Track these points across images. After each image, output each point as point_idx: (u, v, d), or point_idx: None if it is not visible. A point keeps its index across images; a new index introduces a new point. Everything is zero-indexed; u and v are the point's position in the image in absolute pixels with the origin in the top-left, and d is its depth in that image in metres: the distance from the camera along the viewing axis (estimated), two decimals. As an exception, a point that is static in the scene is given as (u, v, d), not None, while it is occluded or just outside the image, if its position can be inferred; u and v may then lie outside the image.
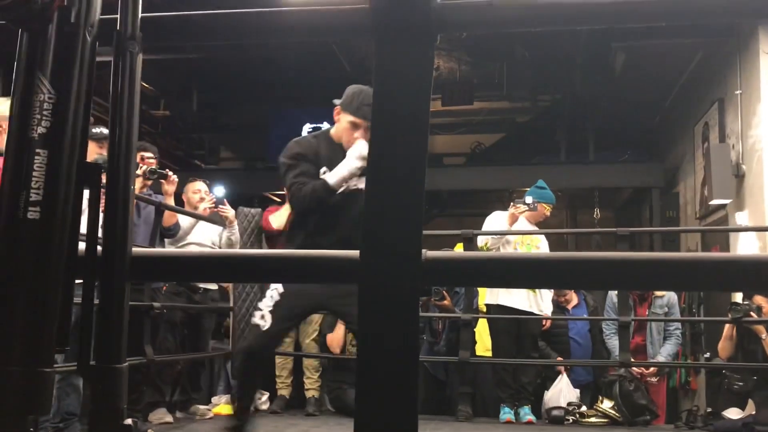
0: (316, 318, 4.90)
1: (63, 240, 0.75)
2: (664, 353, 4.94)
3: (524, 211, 4.55)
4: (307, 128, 8.87)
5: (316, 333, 4.90)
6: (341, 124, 2.85)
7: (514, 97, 9.02)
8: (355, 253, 0.91)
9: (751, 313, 4.31)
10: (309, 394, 4.83)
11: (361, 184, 2.80)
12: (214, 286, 4.69)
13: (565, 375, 4.80)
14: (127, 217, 0.82)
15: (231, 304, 4.91)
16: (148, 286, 3.89)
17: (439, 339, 5.14)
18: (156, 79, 8.80)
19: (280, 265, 0.98)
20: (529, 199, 4.56)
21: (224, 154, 11.01)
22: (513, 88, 8.72)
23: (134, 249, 0.83)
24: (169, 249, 4.07)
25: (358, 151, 2.75)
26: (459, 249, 4.63)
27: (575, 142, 9.18)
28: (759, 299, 4.41)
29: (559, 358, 5.03)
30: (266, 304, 2.77)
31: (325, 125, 9.23)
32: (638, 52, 6.43)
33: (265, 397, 4.86)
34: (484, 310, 4.82)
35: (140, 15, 0.83)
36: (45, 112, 0.77)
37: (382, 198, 0.90)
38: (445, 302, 4.95)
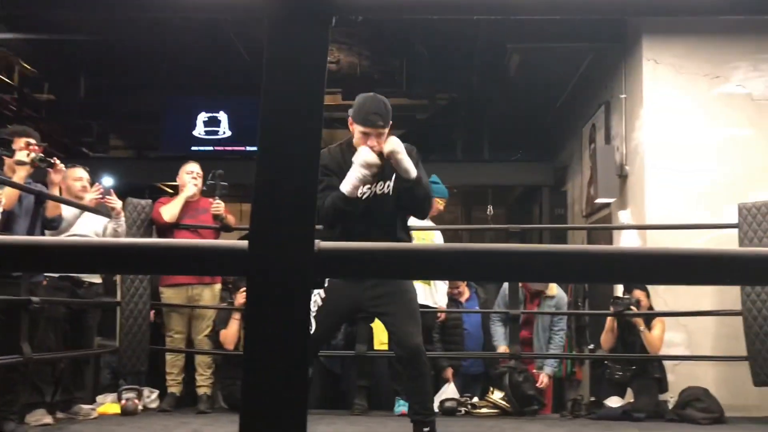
0: (209, 313, 4.77)
1: None
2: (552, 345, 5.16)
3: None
4: (203, 117, 8.63)
5: (209, 329, 4.76)
6: (355, 134, 2.97)
7: (413, 95, 9.12)
8: (244, 243, 0.87)
9: (631, 307, 4.55)
10: (201, 391, 4.70)
11: (387, 188, 2.96)
12: (98, 280, 4.47)
13: (452, 384, 4.88)
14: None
15: (119, 299, 4.70)
16: (26, 279, 3.65)
17: (337, 333, 5.12)
18: (40, 61, 8.29)
19: (165, 256, 0.92)
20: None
21: (114, 142, 10.53)
22: (413, 86, 8.82)
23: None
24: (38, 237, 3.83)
25: (361, 157, 2.87)
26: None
27: (471, 141, 9.40)
28: (638, 293, 4.66)
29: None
30: (311, 309, 2.82)
31: (221, 114, 9.06)
32: (532, 55, 6.64)
33: (155, 395, 4.69)
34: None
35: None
36: None
37: (272, 187, 0.86)
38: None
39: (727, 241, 4.73)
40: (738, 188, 5.09)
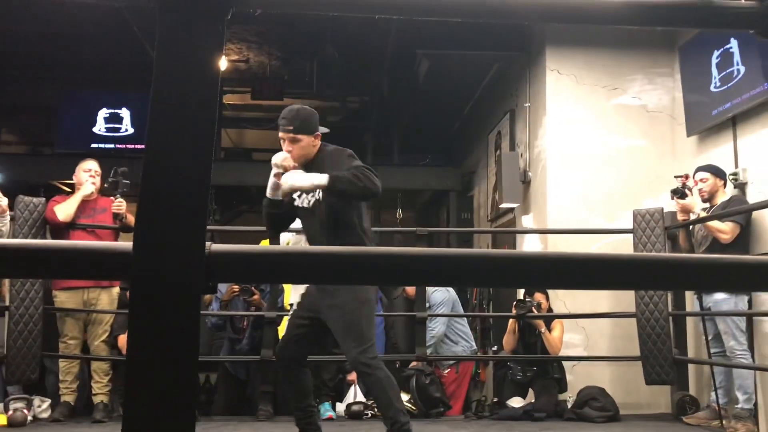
0: (107, 318, 4.56)
1: None
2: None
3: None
4: (103, 113, 8.27)
5: (106, 334, 4.56)
6: None
7: (324, 97, 9.08)
8: (128, 245, 0.82)
9: (533, 309, 4.68)
10: (97, 399, 4.48)
11: (318, 195, 3.00)
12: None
13: (356, 385, 4.87)
14: None
15: (6, 303, 4.42)
16: None
17: (242, 336, 5.01)
18: None
19: (41, 258, 0.85)
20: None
21: (6, 137, 9.94)
22: (323, 88, 8.78)
23: None
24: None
25: (272, 160, 3.02)
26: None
27: (381, 144, 9.45)
28: (539, 296, 4.80)
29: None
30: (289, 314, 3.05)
31: (123, 111, 8.70)
32: (441, 61, 6.74)
33: (46, 404, 4.44)
34: (289, 308, 4.78)
35: None
36: None
37: (160, 187, 0.82)
38: (254, 298, 4.85)
39: (623, 246, 4.95)
40: (633, 195, 5.34)
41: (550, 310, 4.92)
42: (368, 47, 7.31)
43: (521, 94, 6.31)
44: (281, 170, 2.99)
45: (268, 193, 3.06)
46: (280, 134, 3.06)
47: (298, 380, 3.11)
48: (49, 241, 0.81)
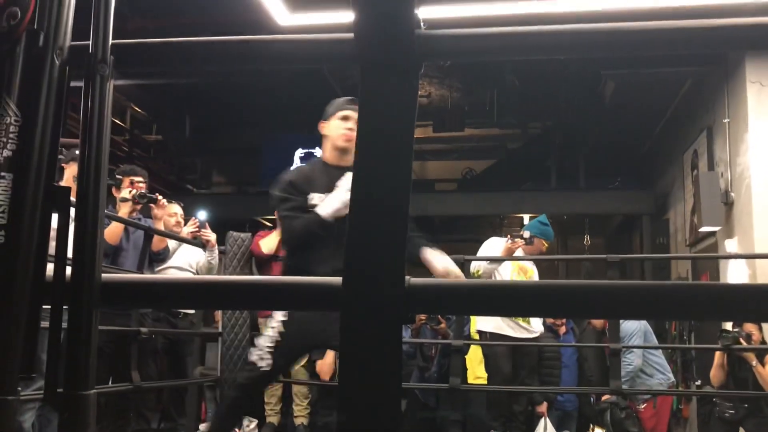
0: (306, 344, 4.86)
1: (29, 264, 0.74)
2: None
3: (521, 246, 4.55)
4: (299, 153, 8.89)
5: (305, 359, 4.85)
6: (327, 138, 2.79)
7: (504, 124, 9.08)
8: (338, 280, 0.91)
9: (741, 340, 4.30)
10: (298, 421, 4.78)
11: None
12: (192, 310, 4.66)
13: (546, 418, 4.75)
14: (96, 241, 0.80)
15: (219, 329, 4.87)
16: (136, 311, 3.85)
17: (431, 364, 5.11)
18: (149, 104, 8.83)
19: (261, 293, 0.97)
20: (526, 234, 4.56)
21: (216, 178, 11.02)
22: (503, 115, 8.78)
23: (104, 274, 0.82)
24: (142, 275, 4.03)
25: (348, 182, 2.55)
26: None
27: (566, 169, 9.23)
28: (749, 326, 4.40)
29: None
30: (265, 343, 2.64)
31: (317, 151, 9.29)
32: (627, 81, 6.49)
33: (254, 424, 4.81)
34: (476, 337, 4.80)
35: (111, 41, 0.83)
36: (11, 135, 0.76)
37: (365, 225, 0.89)
38: (441, 326, 4.93)
39: None
40: None
41: (764, 341, 4.49)
42: (548, 72, 7.23)
43: (719, 109, 5.89)
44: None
45: (330, 214, 2.62)
46: (348, 111, 2.74)
47: (242, 407, 2.93)
48: (270, 278, 0.91)
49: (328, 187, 2.66)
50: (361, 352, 0.87)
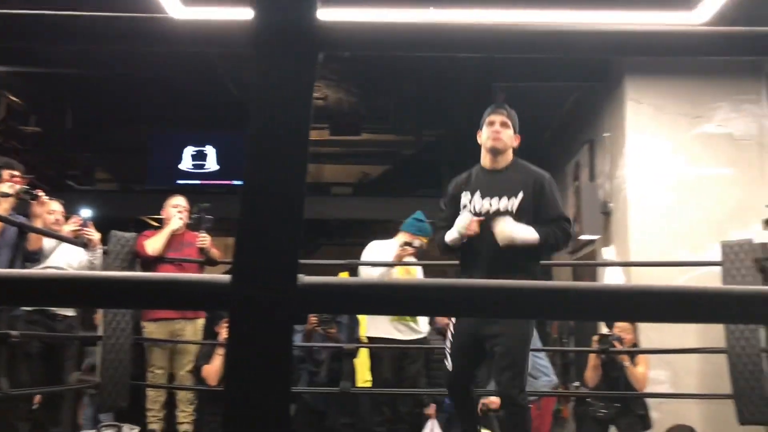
0: (192, 348, 4.71)
1: None
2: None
3: (411, 253, 4.60)
4: (190, 151, 8.63)
5: (191, 364, 4.70)
6: (483, 135, 3.12)
7: (400, 131, 9.20)
8: (226, 278, 0.87)
9: (615, 343, 4.54)
10: (182, 428, 4.61)
11: (510, 205, 2.95)
12: (72, 313, 4.41)
13: (434, 420, 4.83)
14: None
15: (100, 333, 4.63)
16: (5, 312, 3.60)
17: (321, 369, 5.07)
18: (26, 93, 8.29)
19: (144, 290, 0.91)
20: (417, 242, 4.62)
21: (100, 174, 10.50)
22: (399, 122, 8.89)
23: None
24: (10, 270, 3.78)
25: (461, 220, 2.95)
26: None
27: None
28: (623, 329, 4.66)
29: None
30: (447, 346, 3.01)
31: (208, 148, 9.06)
32: (517, 93, 6.72)
33: (135, 431, 4.60)
34: (365, 341, 4.81)
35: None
36: None
37: (256, 221, 0.86)
38: (332, 330, 4.91)
39: (710, 279, 4.75)
40: (719, 226, 5.14)
41: (635, 344, 4.76)
42: (445, 81, 7.38)
43: (600, 123, 6.22)
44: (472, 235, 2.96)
45: (451, 241, 3.01)
46: (493, 116, 3.06)
47: (469, 407, 3.14)
48: (153, 274, 0.85)
49: (481, 187, 3.01)
50: (249, 354, 0.84)
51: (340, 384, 4.60)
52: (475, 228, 2.91)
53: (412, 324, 4.64)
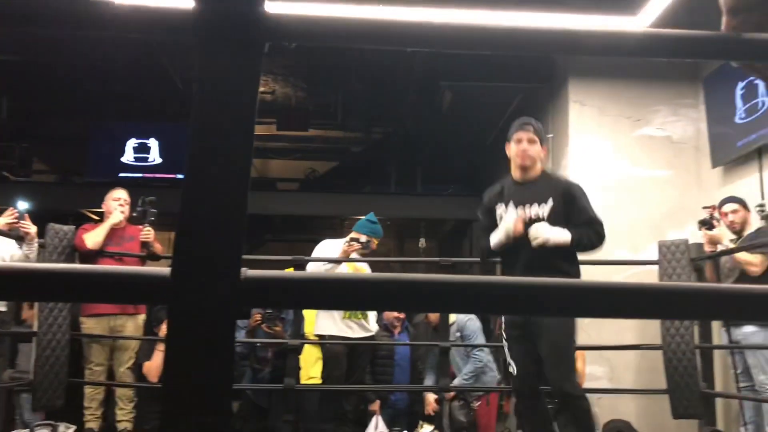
0: (132, 345, 4.60)
1: None
2: (464, 371, 5.18)
3: (357, 249, 4.60)
4: (132, 143, 8.43)
5: (131, 361, 4.59)
6: (512, 152, 3.22)
7: (348, 127, 9.18)
8: (166, 270, 0.84)
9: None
10: (121, 426, 4.51)
11: (541, 212, 3.07)
12: (3, 308, 4.26)
13: (379, 416, 4.85)
14: None
15: (35, 329, 4.49)
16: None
17: (265, 366, 5.03)
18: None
19: (80, 282, 0.88)
20: (363, 239, 4.62)
21: (38, 166, 10.16)
22: (347, 119, 8.88)
23: None
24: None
25: (504, 225, 3.09)
26: (288, 274, 4.57)
27: (405, 174, 9.50)
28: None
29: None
30: (506, 351, 3.13)
31: (151, 141, 8.86)
32: (464, 92, 6.80)
33: (71, 430, 4.47)
34: (313, 338, 4.79)
35: None
36: None
37: (198, 212, 0.84)
38: (277, 328, 4.87)
39: (648, 278, 4.90)
40: (657, 226, 5.30)
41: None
42: (393, 79, 7.40)
43: (544, 124, 6.32)
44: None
45: (494, 245, 3.15)
46: (520, 133, 3.16)
47: (540, 411, 3.18)
48: (90, 266, 0.83)
49: (513, 197, 3.14)
50: (190, 348, 0.82)
51: (284, 381, 4.57)
52: (520, 227, 3.07)
53: (363, 322, 4.64)
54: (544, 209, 3.10)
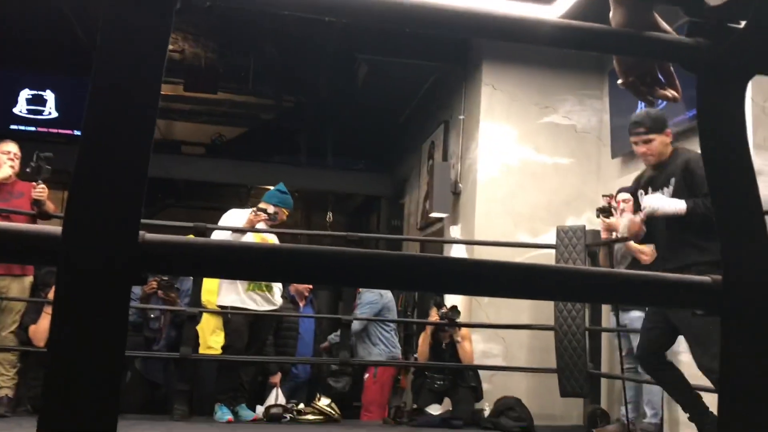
0: (17, 307, 4.37)
1: None
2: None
3: (264, 219, 4.52)
4: (25, 94, 7.92)
5: (15, 324, 4.36)
6: None
7: (259, 93, 8.98)
8: (56, 229, 0.79)
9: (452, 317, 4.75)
10: (1, 392, 4.27)
11: (667, 193, 3.19)
12: None
13: (278, 388, 4.84)
14: None
15: None
16: None
17: (159, 337, 4.89)
18: None
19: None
20: (271, 209, 4.54)
21: None
22: (259, 84, 8.68)
23: None
24: None
25: (622, 227, 3.37)
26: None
27: (316, 146, 9.41)
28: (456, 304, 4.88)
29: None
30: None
31: (47, 93, 8.35)
32: (379, 67, 6.78)
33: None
34: (212, 307, 4.69)
35: None
36: None
37: (95, 170, 0.79)
38: (173, 295, 4.74)
39: (545, 261, 5.07)
40: (557, 212, 5.49)
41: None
42: (308, 47, 7.27)
43: (456, 106, 6.41)
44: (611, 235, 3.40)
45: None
46: (632, 137, 3.26)
47: (671, 378, 3.27)
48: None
49: (649, 187, 3.29)
50: (80, 313, 0.77)
51: (180, 349, 4.46)
52: (636, 228, 3.25)
53: (268, 294, 4.57)
54: (669, 191, 3.25)
